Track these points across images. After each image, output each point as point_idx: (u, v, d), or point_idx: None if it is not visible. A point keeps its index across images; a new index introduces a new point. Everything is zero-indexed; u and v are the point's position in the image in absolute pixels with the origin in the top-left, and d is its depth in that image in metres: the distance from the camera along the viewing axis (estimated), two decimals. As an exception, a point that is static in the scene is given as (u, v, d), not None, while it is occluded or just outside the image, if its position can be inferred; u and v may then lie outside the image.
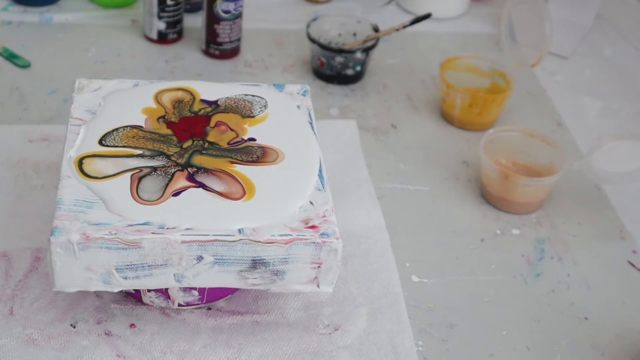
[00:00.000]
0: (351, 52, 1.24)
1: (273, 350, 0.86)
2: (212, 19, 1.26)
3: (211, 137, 0.90)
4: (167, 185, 0.83)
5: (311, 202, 0.84)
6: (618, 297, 0.97)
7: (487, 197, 1.08)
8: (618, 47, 1.44)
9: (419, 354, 0.88)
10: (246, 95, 0.96)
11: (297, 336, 0.88)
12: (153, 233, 0.78)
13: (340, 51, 1.24)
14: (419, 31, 1.40)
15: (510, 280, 0.98)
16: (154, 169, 0.85)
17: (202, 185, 0.83)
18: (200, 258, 0.79)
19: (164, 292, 0.86)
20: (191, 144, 0.88)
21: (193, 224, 0.79)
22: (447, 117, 1.22)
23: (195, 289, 0.85)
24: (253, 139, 0.90)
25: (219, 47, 1.28)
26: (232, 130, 0.91)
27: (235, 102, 0.95)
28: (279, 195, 0.84)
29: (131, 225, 0.78)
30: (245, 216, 0.81)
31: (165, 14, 1.28)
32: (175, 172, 0.85)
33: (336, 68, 1.25)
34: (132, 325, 0.87)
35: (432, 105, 1.25)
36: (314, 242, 0.80)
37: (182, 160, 0.86)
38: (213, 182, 0.84)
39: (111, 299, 0.89)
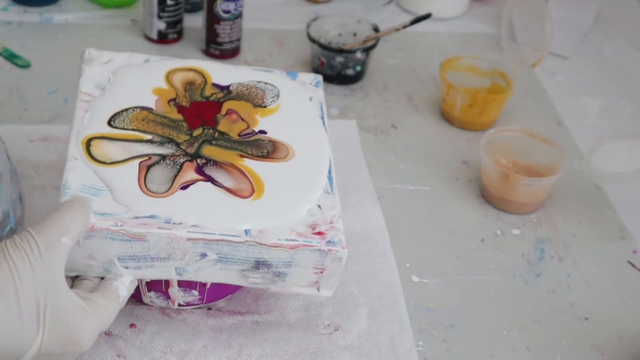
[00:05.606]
0: (351, 52, 1.24)
1: (273, 350, 0.86)
2: (212, 19, 1.26)
3: (222, 127, 0.89)
4: (175, 176, 0.82)
5: (319, 206, 0.83)
6: (618, 297, 0.97)
7: (487, 197, 1.08)
8: (618, 47, 1.44)
9: (419, 354, 0.88)
10: (259, 82, 0.95)
11: (297, 336, 0.88)
12: (159, 228, 0.77)
13: (340, 51, 1.24)
14: (419, 31, 1.40)
15: (510, 280, 0.98)
16: (163, 157, 0.84)
17: (210, 180, 0.82)
18: (204, 255, 0.79)
19: (164, 292, 0.86)
20: (201, 132, 0.87)
21: (200, 220, 0.78)
22: (447, 117, 1.22)
23: (195, 288, 0.85)
24: (264, 132, 0.90)
25: (219, 47, 1.28)
26: (243, 120, 0.90)
27: (247, 89, 0.94)
28: (288, 196, 0.83)
29: (137, 218, 0.77)
30: (253, 216, 0.80)
31: (165, 14, 1.28)
32: (184, 162, 0.84)
33: (336, 68, 1.25)
34: (132, 325, 0.87)
35: (432, 105, 1.25)
36: (320, 250, 0.80)
37: (191, 150, 0.85)
38: (222, 177, 0.83)
39: (111, 299, 0.89)
